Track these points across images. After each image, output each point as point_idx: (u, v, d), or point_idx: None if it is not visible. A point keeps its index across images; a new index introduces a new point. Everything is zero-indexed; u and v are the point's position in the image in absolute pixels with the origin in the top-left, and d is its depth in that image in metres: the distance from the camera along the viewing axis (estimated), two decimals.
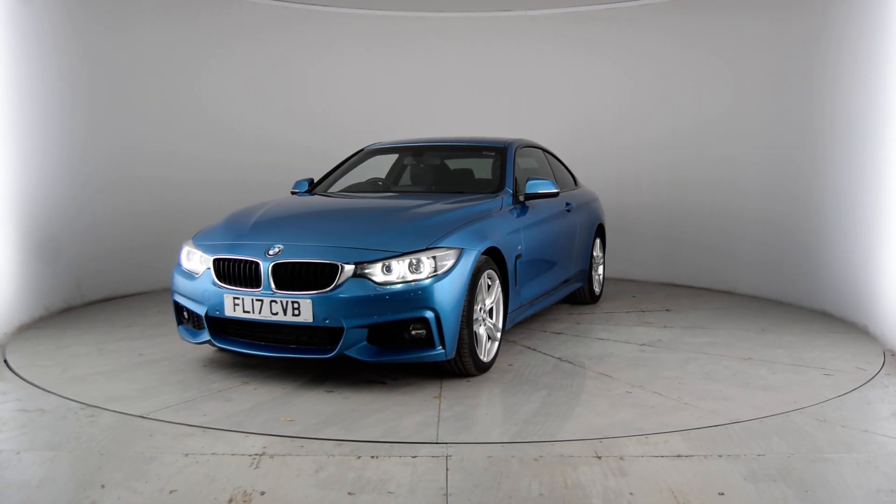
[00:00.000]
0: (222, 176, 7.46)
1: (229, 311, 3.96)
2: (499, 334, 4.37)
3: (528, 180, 4.99)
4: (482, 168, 5.47)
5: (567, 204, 5.73)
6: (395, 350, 3.85)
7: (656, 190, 7.73)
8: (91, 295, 6.40)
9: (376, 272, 3.79)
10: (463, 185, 5.31)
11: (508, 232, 4.56)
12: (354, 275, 3.78)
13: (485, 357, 4.20)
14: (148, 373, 4.29)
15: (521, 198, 4.96)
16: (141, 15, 6.88)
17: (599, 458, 3.02)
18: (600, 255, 6.64)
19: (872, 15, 5.34)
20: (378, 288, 3.76)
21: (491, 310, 4.30)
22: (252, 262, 3.93)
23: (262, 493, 2.69)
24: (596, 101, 8.00)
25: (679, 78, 7.51)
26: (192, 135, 7.30)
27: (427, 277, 3.81)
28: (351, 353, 3.79)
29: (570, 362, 4.53)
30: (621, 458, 3.01)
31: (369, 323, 3.75)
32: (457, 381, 4.11)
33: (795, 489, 2.74)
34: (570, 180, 6.44)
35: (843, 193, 5.73)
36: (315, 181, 5.62)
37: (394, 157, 6.00)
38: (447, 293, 3.82)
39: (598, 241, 6.52)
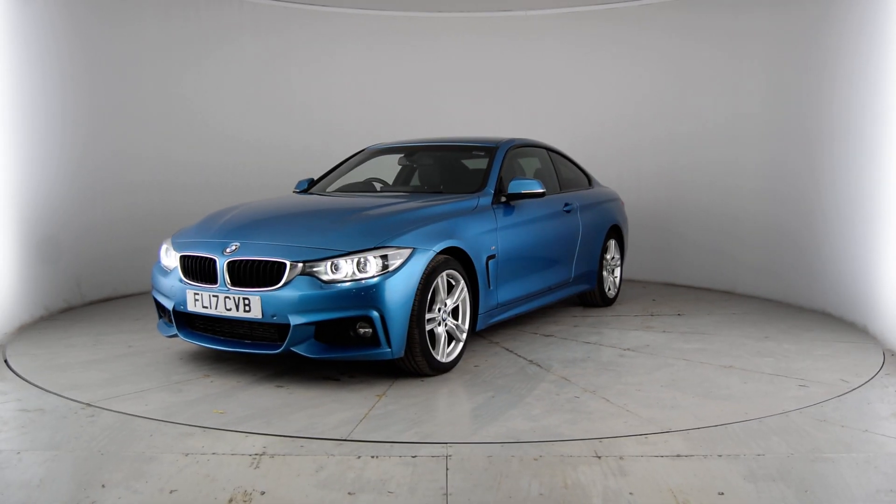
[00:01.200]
0: (223, 177, 7.46)
1: (191, 306, 4.10)
2: (463, 335, 4.36)
3: (511, 180, 4.95)
4: (474, 168, 5.41)
5: (566, 204, 5.65)
6: (342, 347, 3.90)
7: (656, 190, 7.73)
8: (91, 295, 6.41)
9: (323, 270, 3.85)
10: (451, 185, 5.29)
11: (481, 232, 4.54)
12: (302, 273, 3.86)
13: (442, 357, 4.19)
14: (125, 364, 4.46)
15: (503, 198, 4.91)
16: (141, 17, 6.89)
17: (599, 457, 3.02)
18: (616, 257, 6.46)
19: (872, 16, 5.33)
20: (324, 286, 3.81)
21: (457, 310, 4.32)
22: (210, 258, 4.07)
23: (263, 493, 2.69)
24: (596, 101, 8.00)
25: (679, 78, 7.51)
26: (192, 137, 7.30)
27: (373, 276, 3.83)
28: (298, 349, 3.86)
29: (539, 365, 4.47)
30: (621, 458, 3.01)
31: (314, 320, 3.80)
32: (410, 380, 4.12)
33: (795, 489, 2.75)
34: (583, 180, 6.34)
35: (843, 193, 5.73)
36: (315, 180, 5.71)
37: (393, 156, 6.00)
38: (394, 292, 3.83)
39: (612, 242, 6.36)
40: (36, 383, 4.02)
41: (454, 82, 8.28)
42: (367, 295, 3.79)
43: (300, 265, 3.86)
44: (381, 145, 6.00)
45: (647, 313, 6.11)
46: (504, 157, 5.22)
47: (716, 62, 7.21)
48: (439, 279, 4.11)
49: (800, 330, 5.45)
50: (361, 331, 3.86)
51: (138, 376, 4.19)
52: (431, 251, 4.04)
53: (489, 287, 4.56)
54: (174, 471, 2.87)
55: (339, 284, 3.80)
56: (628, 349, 4.87)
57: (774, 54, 6.62)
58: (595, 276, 6.11)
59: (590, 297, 6.24)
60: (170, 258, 4.38)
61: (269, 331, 3.94)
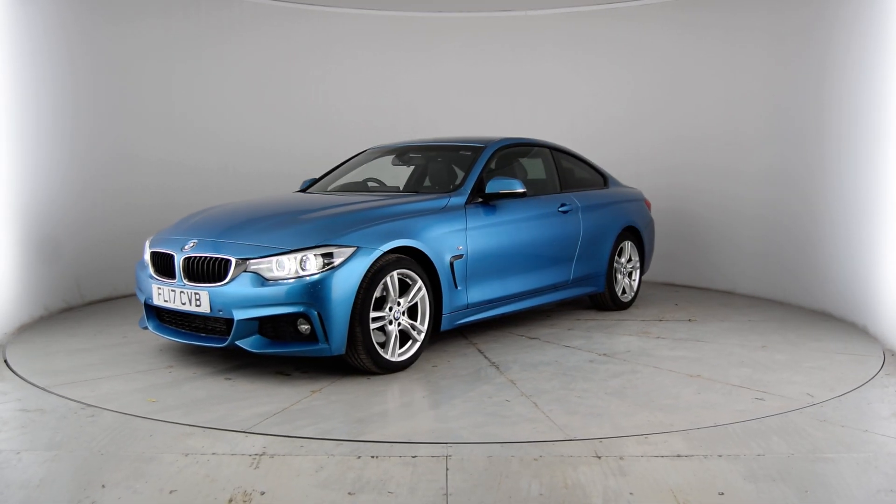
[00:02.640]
0: (224, 178, 7.47)
1: (156, 300, 4.33)
2: (421, 336, 4.36)
3: (489, 180, 4.90)
4: (462, 168, 5.32)
5: (563, 204, 5.54)
6: (284, 343, 4.00)
7: (657, 189, 7.72)
8: (91, 295, 6.41)
9: (266, 268, 3.96)
10: (440, 185, 5.28)
11: (446, 232, 4.53)
12: (247, 270, 3.97)
13: (392, 356, 4.20)
14: (105, 353, 4.68)
15: (480, 199, 4.87)
16: (142, 17, 6.88)
17: (599, 457, 3.02)
18: (634, 259, 6.27)
19: (871, 17, 5.33)
20: (266, 283, 3.92)
21: (415, 309, 4.34)
22: (170, 255, 4.28)
23: (262, 493, 2.69)
24: (596, 102, 8.00)
25: (680, 78, 7.52)
26: (193, 137, 7.31)
27: (313, 274, 3.90)
28: (243, 343, 3.98)
29: (498, 367, 4.40)
30: (621, 458, 3.01)
31: (256, 316, 3.92)
32: (355, 377, 4.14)
33: (795, 489, 2.75)
34: (598, 180, 6.24)
35: (843, 193, 5.73)
36: (316, 180, 5.81)
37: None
38: (334, 290, 3.89)
39: (628, 244, 6.18)
40: (36, 383, 4.02)
41: (455, 82, 8.28)
42: (306, 292, 3.87)
43: (245, 262, 3.98)
44: (381, 146, 6.02)
45: (656, 318, 5.89)
46: (489, 158, 5.17)
47: (715, 62, 7.21)
48: (388, 278, 4.13)
49: (805, 339, 5.15)
50: (301, 327, 3.95)
51: (108, 365, 4.39)
52: (377, 250, 4.07)
53: (456, 287, 4.56)
54: (174, 471, 2.87)
55: (281, 281, 3.90)
56: (604, 354, 4.73)
57: (773, 55, 6.62)
58: (602, 278, 5.92)
59: (600, 299, 6.08)
60: (147, 255, 4.55)
61: (220, 325, 4.07)
